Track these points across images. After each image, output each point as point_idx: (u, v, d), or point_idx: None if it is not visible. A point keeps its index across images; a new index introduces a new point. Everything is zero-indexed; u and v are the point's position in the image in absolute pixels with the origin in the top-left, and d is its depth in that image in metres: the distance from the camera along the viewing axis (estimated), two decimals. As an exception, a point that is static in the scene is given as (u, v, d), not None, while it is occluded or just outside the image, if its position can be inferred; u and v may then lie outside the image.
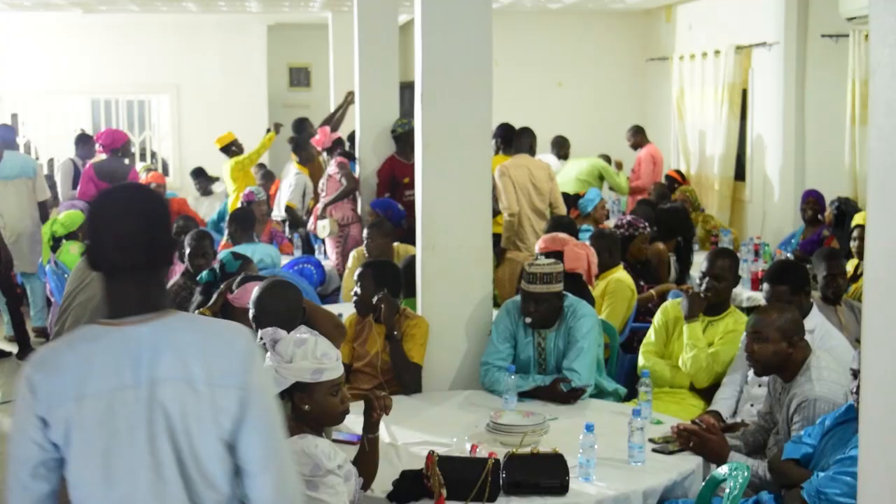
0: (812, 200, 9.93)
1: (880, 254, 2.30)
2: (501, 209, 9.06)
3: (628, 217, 8.29)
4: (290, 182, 11.54)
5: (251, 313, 4.67)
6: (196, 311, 5.66)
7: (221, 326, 2.82)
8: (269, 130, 12.82)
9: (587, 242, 7.59)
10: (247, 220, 8.73)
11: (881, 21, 2.23)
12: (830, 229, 9.35)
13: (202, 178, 13.20)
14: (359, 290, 5.88)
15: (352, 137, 11.36)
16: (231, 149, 12.41)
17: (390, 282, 5.93)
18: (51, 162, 16.01)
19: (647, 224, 8.19)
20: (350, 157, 10.78)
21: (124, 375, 2.61)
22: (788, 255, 9.11)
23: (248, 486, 2.70)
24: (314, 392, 3.64)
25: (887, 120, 2.22)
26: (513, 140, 9.76)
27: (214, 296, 5.58)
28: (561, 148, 13.20)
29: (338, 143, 11.29)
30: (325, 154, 11.51)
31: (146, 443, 2.62)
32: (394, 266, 6.17)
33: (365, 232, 8.51)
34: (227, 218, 8.95)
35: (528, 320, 5.63)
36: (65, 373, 2.61)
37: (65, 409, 2.59)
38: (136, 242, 2.67)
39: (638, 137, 13.31)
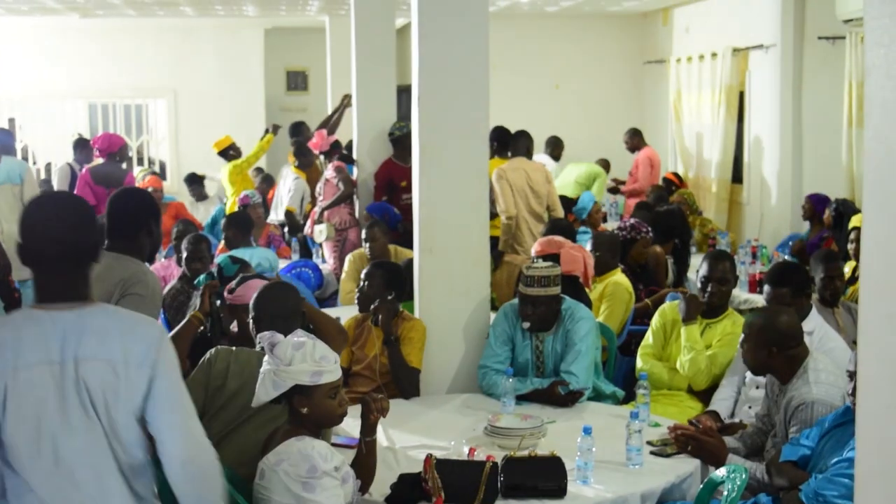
0: (810, 205, 9.97)
1: (876, 254, 2.29)
2: (499, 212, 9.06)
3: (631, 221, 8.27)
4: (289, 187, 11.54)
5: (251, 314, 4.67)
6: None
7: (138, 317, 3.25)
8: (267, 132, 12.82)
9: (586, 245, 7.60)
10: (244, 224, 8.72)
11: (876, 22, 2.23)
12: (829, 231, 9.35)
13: (196, 185, 13.19)
14: (364, 288, 5.90)
15: (350, 147, 11.35)
16: (229, 153, 12.42)
17: (398, 285, 5.96)
18: (48, 166, 16.01)
19: (649, 229, 8.19)
20: (348, 160, 10.78)
21: (52, 352, 3.02)
22: (786, 257, 9.10)
23: (160, 453, 3.14)
24: (313, 395, 3.65)
25: (883, 121, 2.22)
26: (508, 143, 9.75)
27: (198, 298, 5.56)
28: (555, 148, 13.21)
29: (335, 146, 11.28)
30: (322, 157, 11.51)
31: (71, 413, 3.03)
32: (401, 269, 6.18)
33: (364, 232, 8.52)
34: (224, 222, 8.93)
35: (526, 324, 5.63)
36: (3, 348, 3.03)
37: (2, 380, 3.00)
38: (61, 242, 3.10)
39: (635, 140, 13.31)
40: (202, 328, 5.34)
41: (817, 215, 9.78)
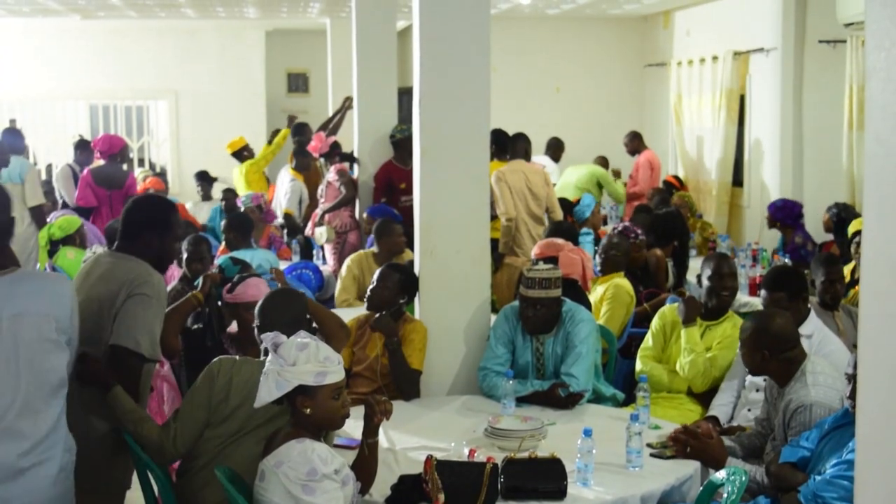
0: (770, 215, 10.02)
1: (876, 257, 2.30)
2: (499, 214, 9.06)
3: (621, 226, 8.29)
4: (286, 189, 11.56)
5: (256, 322, 4.65)
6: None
7: (53, 278, 4.25)
8: (277, 132, 12.82)
9: (588, 247, 7.62)
10: (244, 226, 8.73)
11: (877, 25, 2.24)
12: (829, 235, 9.36)
13: (205, 183, 13.19)
14: (378, 288, 5.91)
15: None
16: (242, 153, 12.47)
17: (412, 289, 6.00)
18: (49, 167, 16.01)
19: (638, 232, 8.18)
20: (349, 159, 10.78)
21: None
22: (786, 260, 9.11)
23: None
24: (316, 395, 3.65)
25: (883, 124, 2.22)
26: (506, 146, 9.75)
27: (200, 279, 5.60)
28: (556, 150, 13.22)
29: (335, 147, 11.29)
30: (322, 160, 11.52)
31: (8, 363, 3.65)
32: (414, 273, 6.17)
33: (375, 228, 8.56)
34: (224, 224, 8.95)
35: (528, 326, 5.64)
36: None
37: None
38: None
39: (635, 143, 13.30)
40: (199, 310, 5.35)
41: (777, 223, 9.83)
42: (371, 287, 6.02)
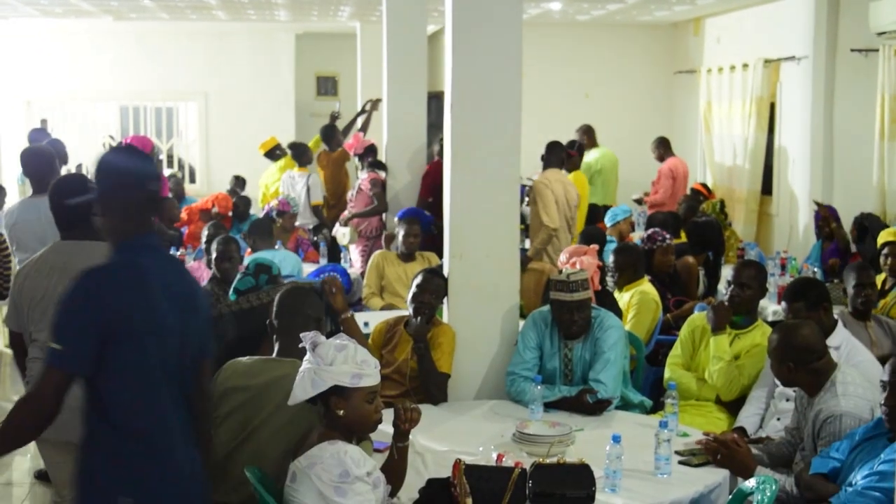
0: (827, 216, 9.96)
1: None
2: (545, 223, 9.03)
3: (649, 231, 8.26)
4: (302, 186, 11.58)
5: (272, 319, 4.53)
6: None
7: None
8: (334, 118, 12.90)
9: (610, 255, 7.60)
10: (265, 229, 8.90)
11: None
12: (855, 245, 9.30)
13: (239, 186, 13.25)
14: (424, 296, 5.91)
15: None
16: (275, 152, 12.58)
17: (446, 292, 5.99)
18: (79, 167, 16.09)
19: (665, 236, 8.16)
20: (381, 166, 10.80)
21: None
22: (816, 269, 9.07)
23: None
24: (351, 397, 3.66)
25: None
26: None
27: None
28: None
29: (370, 149, 11.34)
30: (356, 160, 11.57)
31: None
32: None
33: (404, 229, 8.60)
34: (246, 230, 9.06)
35: (571, 330, 5.64)
36: None
37: None
38: None
39: (661, 150, 13.21)
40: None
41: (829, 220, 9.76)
42: (415, 294, 5.96)
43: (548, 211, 9.01)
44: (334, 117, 12.88)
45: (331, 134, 12.66)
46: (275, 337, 4.41)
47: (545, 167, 9.58)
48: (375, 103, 12.72)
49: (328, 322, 5.08)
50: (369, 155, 11.21)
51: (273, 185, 12.25)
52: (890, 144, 10.18)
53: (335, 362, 3.64)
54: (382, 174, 10.66)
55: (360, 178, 10.88)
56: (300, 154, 11.96)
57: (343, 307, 5.11)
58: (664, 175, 12.87)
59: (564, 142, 10.16)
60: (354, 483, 3.55)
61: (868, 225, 9.05)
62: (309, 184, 11.52)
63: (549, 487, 4.09)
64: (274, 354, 4.36)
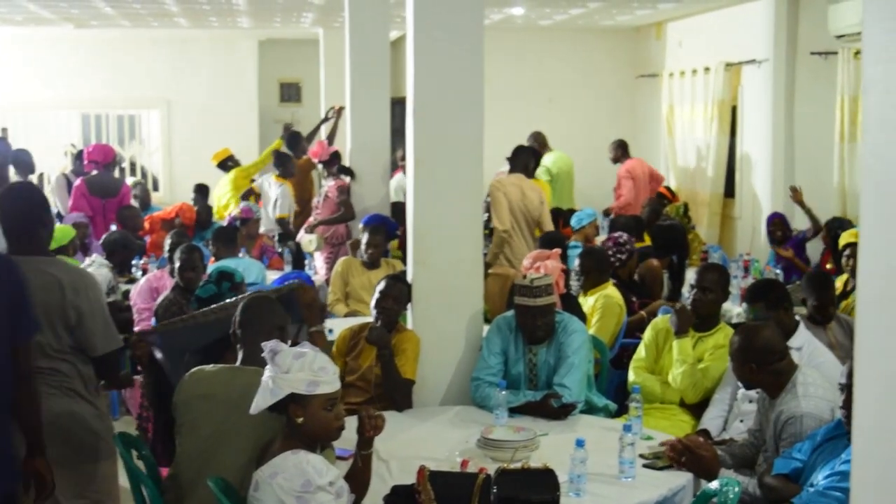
0: (777, 222, 10.06)
1: (874, 269, 2.30)
2: (493, 225, 9.05)
3: (612, 240, 8.26)
4: (276, 194, 11.56)
5: (234, 329, 4.49)
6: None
7: None
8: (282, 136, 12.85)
9: (574, 261, 7.62)
10: (228, 237, 8.85)
11: (874, 39, 2.24)
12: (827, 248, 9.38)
13: (202, 196, 13.17)
14: (388, 303, 5.89)
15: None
16: (227, 164, 12.50)
17: (410, 298, 5.99)
18: (41, 176, 15.98)
19: (631, 246, 8.21)
20: (348, 172, 10.77)
21: None
22: (777, 272, 9.13)
23: None
24: (309, 405, 3.64)
25: (881, 136, 2.22)
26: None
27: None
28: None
29: (335, 156, 11.31)
30: (320, 167, 11.55)
31: None
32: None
33: (366, 237, 8.61)
34: (211, 237, 9.02)
35: (535, 335, 5.65)
36: None
37: None
38: None
39: (618, 152, 13.19)
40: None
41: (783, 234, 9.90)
42: (377, 300, 5.94)
43: (498, 214, 9.00)
44: (287, 129, 12.82)
45: (295, 141, 12.62)
46: (238, 346, 4.39)
47: (511, 171, 9.55)
48: (339, 111, 12.70)
49: (298, 332, 5.06)
50: (334, 162, 11.19)
51: (224, 198, 12.17)
52: (850, 146, 10.27)
53: (291, 370, 3.62)
54: (348, 180, 10.64)
55: (326, 185, 10.84)
56: (283, 164, 11.87)
57: (315, 321, 5.06)
58: (623, 177, 12.89)
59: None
60: (317, 493, 3.54)
61: (840, 230, 9.09)
62: (279, 195, 11.48)
63: (513, 493, 4.08)
64: (238, 363, 4.34)
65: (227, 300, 5.38)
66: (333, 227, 10.51)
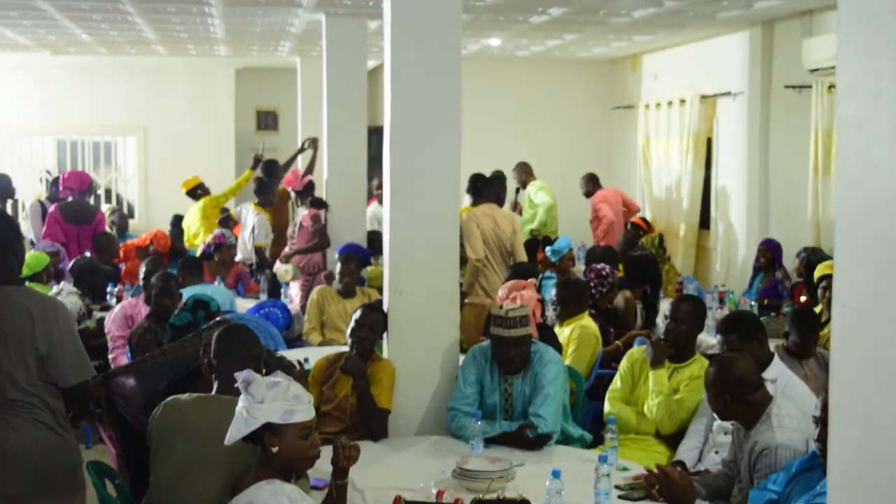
0: (763, 248, 10.10)
1: (848, 302, 2.32)
2: (467, 255, 9.07)
3: (594, 272, 8.27)
4: (253, 223, 11.56)
5: (211, 356, 4.44)
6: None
7: None
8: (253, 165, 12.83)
9: (550, 290, 7.63)
10: (194, 266, 9.01)
11: (849, 73, 2.26)
12: (799, 279, 9.41)
13: (177, 228, 13.13)
14: (363, 332, 5.88)
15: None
16: (197, 192, 12.45)
17: (386, 327, 5.99)
18: (15, 203, 15.90)
19: (612, 279, 8.23)
20: (321, 205, 10.78)
21: None
22: (752, 303, 9.16)
23: None
24: (284, 434, 3.63)
25: (855, 170, 2.24)
26: (480, 190, 9.75)
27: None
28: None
29: (309, 186, 11.32)
30: (294, 196, 11.55)
31: None
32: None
33: (340, 267, 8.64)
34: (179, 265, 9.04)
35: (510, 366, 5.65)
36: None
37: None
38: None
39: (590, 185, 13.27)
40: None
41: (770, 261, 9.93)
42: (353, 328, 5.94)
43: (471, 244, 9.04)
44: (258, 159, 12.79)
45: (273, 171, 12.60)
46: (213, 375, 4.36)
47: (483, 201, 9.57)
48: (314, 142, 12.69)
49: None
50: (308, 192, 11.19)
51: (193, 227, 12.14)
52: (824, 179, 10.33)
53: (266, 399, 3.61)
54: (322, 211, 10.64)
55: (301, 214, 10.84)
56: (263, 192, 11.84)
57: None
58: (599, 202, 12.95)
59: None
60: (292, 523, 3.52)
61: (814, 259, 9.13)
62: (255, 224, 11.47)
63: (489, 523, 4.08)
64: (213, 392, 4.32)
65: (199, 329, 5.35)
66: (308, 256, 10.50)
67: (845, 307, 2.33)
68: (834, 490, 2.43)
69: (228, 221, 12.48)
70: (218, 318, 5.63)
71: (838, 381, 2.37)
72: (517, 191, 13.35)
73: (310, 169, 12.66)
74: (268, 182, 11.99)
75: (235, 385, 3.72)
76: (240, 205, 12.30)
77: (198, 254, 10.43)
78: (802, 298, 8.98)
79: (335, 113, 10.56)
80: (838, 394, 2.37)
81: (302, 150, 13.10)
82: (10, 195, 11.29)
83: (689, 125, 12.89)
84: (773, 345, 6.15)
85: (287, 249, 10.72)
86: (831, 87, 10.10)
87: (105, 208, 14.33)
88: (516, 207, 13.39)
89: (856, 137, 2.23)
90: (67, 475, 4.49)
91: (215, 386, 4.33)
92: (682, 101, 13.17)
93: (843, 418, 2.35)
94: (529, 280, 7.04)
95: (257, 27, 12.29)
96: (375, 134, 11.98)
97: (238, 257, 11.04)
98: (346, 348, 6.04)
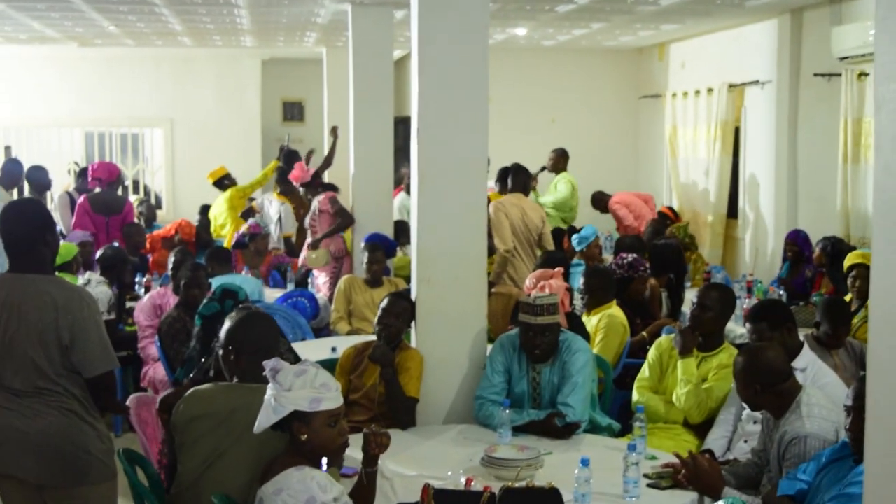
0: (789, 242, 9.98)
1: (887, 287, 2.29)
2: (496, 245, 9.06)
3: (629, 258, 8.22)
4: (277, 212, 11.57)
5: (228, 347, 4.40)
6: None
7: None
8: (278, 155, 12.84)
9: (579, 278, 7.61)
10: (222, 256, 9.04)
11: (887, 57, 2.24)
12: (820, 269, 9.33)
13: (204, 217, 13.18)
14: (391, 320, 5.89)
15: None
16: (224, 182, 12.49)
17: (414, 316, 5.98)
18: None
19: (646, 266, 8.18)
20: (330, 188, 10.81)
21: None
22: (781, 293, 9.11)
23: None
24: (312, 421, 3.64)
25: (893, 155, 2.22)
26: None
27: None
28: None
29: (315, 176, 11.35)
30: (301, 189, 11.59)
31: None
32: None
33: (368, 255, 8.65)
34: (206, 256, 9.06)
35: (537, 354, 5.64)
36: None
37: None
38: None
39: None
40: None
41: (800, 253, 9.81)
42: (380, 316, 5.95)
43: (500, 234, 9.04)
44: (283, 149, 12.80)
45: (293, 160, 12.62)
46: (234, 363, 4.34)
47: (511, 191, 9.59)
48: (333, 130, 12.67)
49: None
50: (316, 182, 11.24)
51: (220, 217, 12.18)
52: (853, 168, 10.25)
53: (293, 388, 3.62)
54: (337, 193, 10.70)
55: (316, 202, 10.78)
56: (286, 181, 11.89)
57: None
58: (616, 207, 12.93)
59: (532, 166, 10.16)
60: (321, 509, 3.53)
61: (837, 248, 9.06)
62: (281, 214, 11.49)
63: (518, 512, 4.08)
64: (235, 380, 4.31)
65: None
66: (335, 242, 10.48)
67: (885, 292, 2.30)
68: (871, 479, 2.41)
69: (251, 213, 12.52)
70: (240, 307, 5.62)
71: (876, 369, 2.35)
72: (542, 168, 13.23)
73: (329, 158, 12.65)
74: (289, 170, 12.02)
75: (262, 374, 3.72)
76: (261, 197, 12.32)
77: (230, 243, 10.47)
78: (823, 290, 8.91)
79: (361, 103, 10.55)
80: (876, 382, 2.35)
81: (335, 142, 13.01)
82: (46, 187, 11.37)
83: (717, 114, 12.81)
84: (802, 334, 6.12)
85: (309, 239, 10.69)
86: (861, 75, 10.02)
87: (133, 199, 14.39)
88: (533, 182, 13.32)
89: (894, 121, 2.21)
90: (94, 464, 4.50)
91: (237, 374, 4.31)
92: (710, 90, 13.10)
93: (881, 406, 2.33)
94: (557, 269, 7.02)
95: (283, 18, 12.30)
96: (401, 124, 12.00)
97: (269, 246, 11.09)
98: (373, 337, 6.04)
